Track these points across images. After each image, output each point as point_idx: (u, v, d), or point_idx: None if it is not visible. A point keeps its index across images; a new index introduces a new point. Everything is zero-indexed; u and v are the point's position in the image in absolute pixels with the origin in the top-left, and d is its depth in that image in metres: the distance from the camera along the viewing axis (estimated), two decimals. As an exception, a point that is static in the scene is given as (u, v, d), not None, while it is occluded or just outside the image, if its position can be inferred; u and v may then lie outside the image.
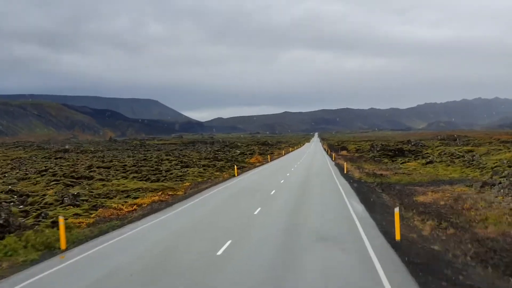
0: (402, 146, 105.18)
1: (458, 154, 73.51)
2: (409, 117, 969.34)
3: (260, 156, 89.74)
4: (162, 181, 47.18)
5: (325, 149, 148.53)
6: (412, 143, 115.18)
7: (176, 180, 48.59)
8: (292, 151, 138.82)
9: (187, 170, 58.49)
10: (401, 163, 67.48)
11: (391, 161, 74.23)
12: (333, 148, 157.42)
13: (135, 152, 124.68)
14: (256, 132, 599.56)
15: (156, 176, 51.49)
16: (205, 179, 49.00)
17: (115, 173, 55.84)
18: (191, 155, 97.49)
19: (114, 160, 77.37)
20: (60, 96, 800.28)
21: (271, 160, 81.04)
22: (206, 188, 37.74)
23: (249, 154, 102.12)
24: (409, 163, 65.32)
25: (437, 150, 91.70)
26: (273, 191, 32.94)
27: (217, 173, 57.08)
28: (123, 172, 56.13)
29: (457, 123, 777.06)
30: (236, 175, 49.67)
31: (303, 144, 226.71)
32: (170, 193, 35.44)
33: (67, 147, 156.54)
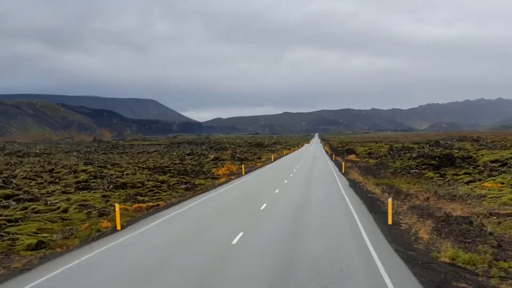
0: (434, 149, 76.63)
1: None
2: (410, 117, 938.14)
3: (234, 165, 60.50)
4: None
5: (327, 152, 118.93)
6: (444, 145, 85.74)
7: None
8: (286, 154, 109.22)
9: (68, 200, 29.43)
10: (466, 182, 37.93)
11: (438, 174, 44.86)
12: (337, 150, 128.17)
13: (91, 155, 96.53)
14: (256, 133, 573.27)
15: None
16: (51, 233, 19.71)
17: None
18: (141, 162, 68.33)
19: (6, 171, 48.44)
20: (59, 96, 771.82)
21: (246, 173, 51.58)
22: None
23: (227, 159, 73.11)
24: (485, 183, 35.66)
25: (485, 156, 62.23)
26: None
27: (124, 205, 27.91)
28: None
29: (459, 124, 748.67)
30: (119, 227, 19.86)
31: (302, 145, 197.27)
32: None
33: (37, 149, 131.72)
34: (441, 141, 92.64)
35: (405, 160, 56.81)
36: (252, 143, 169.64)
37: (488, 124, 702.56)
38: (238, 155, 75.43)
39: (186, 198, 31.12)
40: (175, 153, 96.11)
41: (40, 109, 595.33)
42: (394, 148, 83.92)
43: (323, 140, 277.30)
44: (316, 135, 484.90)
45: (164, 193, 35.67)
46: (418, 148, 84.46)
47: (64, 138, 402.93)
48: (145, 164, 63.96)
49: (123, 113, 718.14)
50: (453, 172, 45.50)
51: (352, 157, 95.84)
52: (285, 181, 38.59)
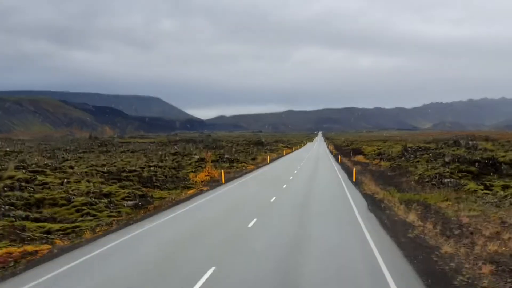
0: (455, 150, 65.13)
1: None
2: (413, 117, 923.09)
3: (220, 168, 48.55)
4: None
5: (331, 152, 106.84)
6: (466, 145, 73.44)
7: None
8: (286, 154, 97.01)
9: None
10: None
11: (481, 186, 32.70)
12: (342, 150, 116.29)
13: (68, 154, 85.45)
14: (259, 131, 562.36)
15: None
16: None
17: None
18: (109, 164, 56.31)
19: None
20: (61, 93, 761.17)
21: (228, 181, 39.43)
22: None
23: (214, 161, 61.22)
24: None
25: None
26: None
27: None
28: None
29: (463, 123, 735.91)
30: None
31: (305, 144, 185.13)
32: None
33: (8, 147, 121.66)
34: (461, 140, 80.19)
35: (422, 163, 44.59)
36: (252, 142, 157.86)
37: (492, 124, 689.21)
38: (227, 156, 63.31)
39: (109, 230, 19.17)
40: (160, 153, 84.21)
41: (42, 106, 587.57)
42: (409, 149, 71.82)
43: (326, 138, 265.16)
44: (320, 133, 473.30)
45: (92, 217, 23.79)
46: (436, 148, 72.38)
47: (65, 135, 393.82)
48: (112, 166, 52.14)
49: (126, 111, 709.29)
50: (502, 183, 33.36)
51: (359, 158, 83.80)
52: (273, 199, 26.31)
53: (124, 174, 41.96)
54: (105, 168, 46.93)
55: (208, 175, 44.49)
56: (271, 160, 69.68)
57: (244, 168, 54.48)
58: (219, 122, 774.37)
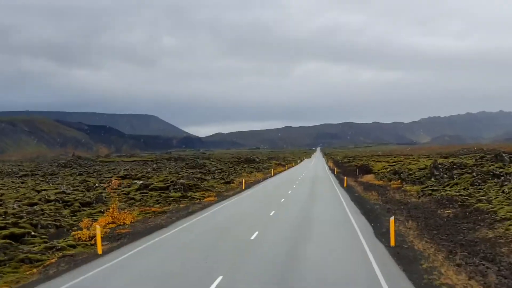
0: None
1: None
2: (412, 131, 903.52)
3: (155, 206, 28.09)
4: None
5: (332, 171, 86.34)
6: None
7: None
8: (275, 174, 76.18)
9: None
10: None
11: None
12: (345, 168, 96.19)
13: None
14: (256, 148, 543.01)
15: None
16: None
17: None
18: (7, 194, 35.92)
19: None
20: (57, 113, 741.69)
21: (128, 243, 18.85)
22: None
23: (163, 188, 40.81)
24: None
25: None
26: None
27: None
28: None
29: (463, 136, 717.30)
30: None
31: (301, 160, 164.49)
32: None
33: None
34: (504, 154, 59.92)
35: (465, 186, 24.17)
36: (242, 159, 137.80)
37: (491, 137, 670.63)
38: (182, 181, 42.61)
39: None
40: (109, 176, 63.79)
41: (37, 126, 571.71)
42: (440, 166, 51.45)
43: (325, 154, 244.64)
44: (318, 149, 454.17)
45: None
46: (475, 165, 51.81)
47: (59, 155, 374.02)
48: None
49: (123, 129, 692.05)
50: None
51: (369, 178, 63.27)
52: None
53: None
54: None
55: (113, 222, 24.01)
56: (250, 185, 49.00)
57: (199, 201, 33.89)
58: (217, 139, 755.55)
